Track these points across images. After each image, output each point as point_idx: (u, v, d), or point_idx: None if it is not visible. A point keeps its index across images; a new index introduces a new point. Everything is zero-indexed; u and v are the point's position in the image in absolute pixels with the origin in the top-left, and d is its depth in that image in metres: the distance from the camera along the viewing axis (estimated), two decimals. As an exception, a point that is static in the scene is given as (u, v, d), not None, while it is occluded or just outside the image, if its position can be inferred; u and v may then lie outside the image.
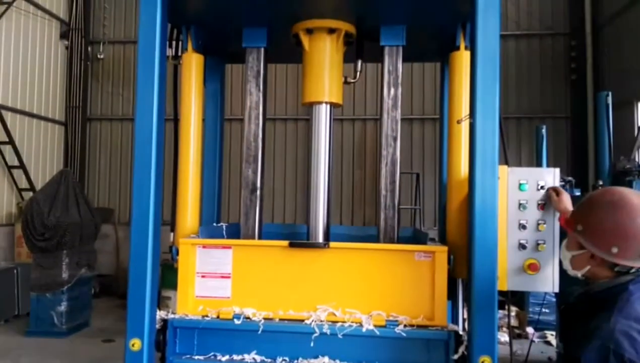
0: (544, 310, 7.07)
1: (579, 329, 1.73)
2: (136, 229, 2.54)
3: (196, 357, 2.60)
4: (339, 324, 2.49)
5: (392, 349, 2.51)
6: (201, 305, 2.66)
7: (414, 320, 2.50)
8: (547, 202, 2.53)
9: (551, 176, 2.58)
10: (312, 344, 2.50)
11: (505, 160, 2.70)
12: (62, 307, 7.07)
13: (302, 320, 2.53)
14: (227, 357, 2.57)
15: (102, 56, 11.02)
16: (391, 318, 2.51)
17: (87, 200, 7.63)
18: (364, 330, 2.46)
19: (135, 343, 2.49)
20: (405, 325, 2.47)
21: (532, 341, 6.57)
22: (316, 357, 2.51)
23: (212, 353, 2.60)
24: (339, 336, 2.47)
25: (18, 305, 7.99)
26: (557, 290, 2.53)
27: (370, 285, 2.59)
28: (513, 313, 7.08)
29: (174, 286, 2.85)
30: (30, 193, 8.11)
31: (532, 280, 2.52)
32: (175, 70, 3.18)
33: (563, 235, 2.41)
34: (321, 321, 2.51)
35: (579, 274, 1.84)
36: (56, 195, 7.07)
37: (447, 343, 2.43)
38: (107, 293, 9.47)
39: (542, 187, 2.57)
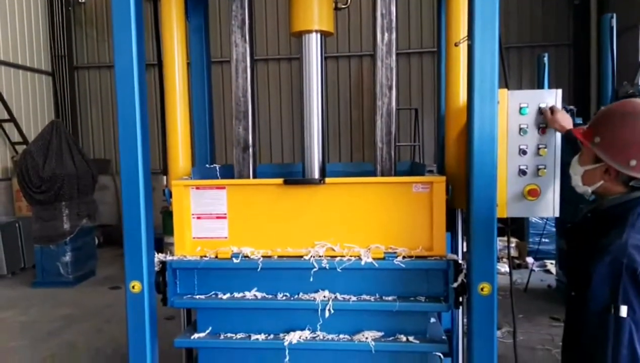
0: (543, 240, 7.16)
1: (587, 247, 1.68)
2: (126, 175, 2.43)
3: (197, 297, 2.60)
4: (337, 259, 2.48)
5: (392, 281, 2.50)
6: (199, 246, 2.64)
7: (412, 252, 2.48)
8: (543, 121, 2.45)
9: (553, 98, 2.49)
10: (311, 279, 2.49)
11: (505, 83, 2.59)
12: (67, 258, 7.15)
13: (301, 257, 2.52)
14: (228, 295, 2.58)
15: (83, 0, 10.61)
16: (390, 250, 2.49)
17: (82, 151, 7.55)
18: (362, 263, 2.44)
19: (136, 286, 2.49)
20: (404, 257, 2.45)
21: (531, 270, 6.71)
22: (316, 292, 2.52)
23: (212, 293, 2.60)
24: (338, 270, 2.45)
25: (23, 258, 8.10)
26: (557, 214, 2.49)
27: (368, 220, 2.55)
28: (513, 244, 7.16)
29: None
30: (24, 147, 8.00)
31: (532, 206, 2.48)
32: (156, 10, 3.01)
33: (564, 157, 2.36)
34: (320, 256, 2.49)
35: (589, 190, 1.77)
36: (49, 147, 6.98)
37: (446, 272, 2.42)
38: (111, 243, 9.56)
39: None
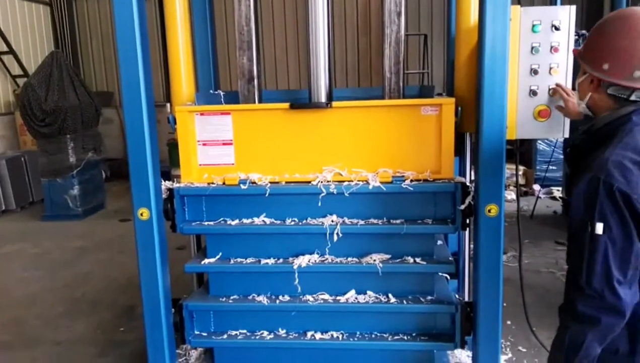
0: (550, 167, 7.13)
1: (581, 168, 1.64)
2: (128, 102, 2.40)
3: (206, 223, 2.62)
4: (345, 183, 2.47)
5: (399, 204, 2.51)
6: (206, 173, 2.63)
7: (420, 175, 2.46)
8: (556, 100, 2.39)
9: (566, 14, 2.37)
10: (319, 204, 2.49)
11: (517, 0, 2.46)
12: (75, 191, 7.21)
13: (309, 182, 2.51)
14: (236, 221, 2.60)
15: None
16: (398, 174, 2.47)
17: (84, 83, 7.43)
18: (370, 187, 2.43)
19: (144, 213, 2.50)
20: (411, 180, 2.44)
21: (538, 197, 6.72)
22: (324, 216, 2.53)
23: (221, 219, 2.62)
24: (346, 195, 2.45)
25: (31, 192, 8.17)
26: (567, 135, 2.43)
27: (375, 144, 2.52)
28: (520, 172, 7.13)
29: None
30: (25, 80, 7.88)
31: (542, 127, 2.42)
32: None
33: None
34: (327, 181, 2.48)
35: (583, 104, 1.74)
36: (50, 79, 6.87)
37: (454, 194, 2.42)
38: (118, 176, 9.60)
39: (556, 28, 2.37)
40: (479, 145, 2.29)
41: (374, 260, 2.50)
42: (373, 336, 2.59)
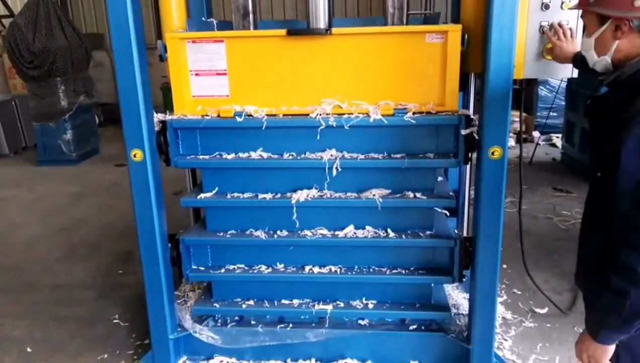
0: (552, 113, 7.04)
1: (611, 124, 1.49)
2: (116, 37, 2.27)
3: (201, 157, 2.55)
4: (345, 116, 2.38)
5: (400, 138, 2.43)
6: (199, 105, 2.52)
7: (423, 108, 2.37)
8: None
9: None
10: (318, 138, 2.42)
11: None
12: (68, 135, 7.10)
13: (307, 115, 2.42)
14: (232, 155, 2.53)
15: None
16: (399, 107, 2.38)
17: (72, 24, 7.15)
18: (371, 120, 2.34)
19: (137, 154, 2.43)
20: (414, 113, 2.35)
21: (537, 144, 6.67)
22: (323, 151, 2.46)
23: (216, 153, 2.55)
24: (346, 128, 2.37)
25: (24, 136, 8.05)
26: (575, 75, 2.34)
27: (377, 74, 2.40)
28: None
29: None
30: (10, 20, 7.58)
31: (550, 66, 2.32)
32: None
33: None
34: (327, 114, 2.39)
35: (608, 59, 1.54)
36: (37, 19, 6.60)
37: (458, 127, 2.34)
38: (112, 121, 9.42)
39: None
40: (485, 84, 2.20)
41: (374, 195, 2.46)
42: (371, 270, 2.59)
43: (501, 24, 2.10)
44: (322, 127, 2.37)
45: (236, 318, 2.80)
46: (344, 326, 2.72)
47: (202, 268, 2.69)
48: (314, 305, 2.64)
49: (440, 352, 2.66)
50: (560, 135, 6.93)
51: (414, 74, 2.38)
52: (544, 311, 3.18)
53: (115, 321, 3.26)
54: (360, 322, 2.72)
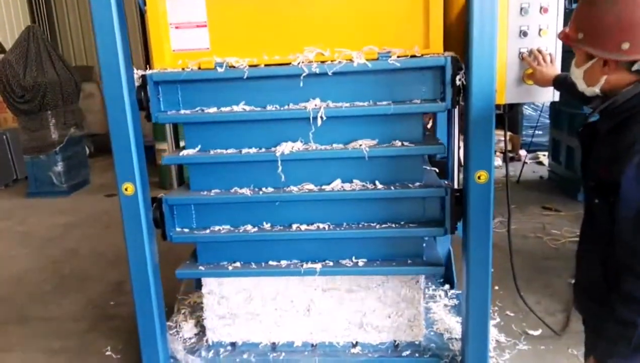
0: (537, 132, 7.14)
1: (605, 150, 1.52)
2: (107, 76, 2.31)
3: (182, 112, 2.51)
4: (328, 62, 2.33)
5: (386, 84, 2.39)
6: (180, 59, 2.47)
7: (408, 51, 2.34)
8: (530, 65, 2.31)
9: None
10: (301, 85, 2.36)
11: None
12: (59, 167, 7.10)
13: (289, 63, 2.37)
14: (214, 109, 2.49)
15: None
16: (384, 51, 2.33)
17: (62, 57, 7.23)
18: (355, 65, 2.31)
19: (128, 188, 2.46)
20: (398, 56, 2.32)
21: (524, 163, 6.75)
22: (307, 101, 2.42)
23: (198, 108, 2.51)
24: (329, 74, 2.32)
25: (15, 169, 8.03)
26: (557, 99, 2.41)
27: (360, 19, 2.37)
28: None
29: (165, 138, 2.73)
30: (1, 56, 7.65)
31: (531, 91, 2.39)
32: None
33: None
34: (309, 61, 2.35)
35: (596, 90, 1.58)
36: (27, 55, 6.67)
37: (444, 69, 2.30)
38: (102, 152, 9.43)
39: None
40: (468, 111, 2.26)
41: (360, 145, 2.41)
42: (360, 226, 2.53)
43: (481, 54, 2.16)
44: (305, 75, 2.32)
45: (229, 347, 2.79)
46: (336, 354, 2.71)
47: (186, 230, 2.62)
48: (302, 265, 2.55)
49: (435, 378, 2.65)
50: (546, 153, 7.02)
51: (398, 16, 2.34)
52: (537, 333, 3.19)
53: (107, 353, 3.23)
54: (352, 350, 2.72)
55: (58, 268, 4.67)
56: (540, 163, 7.27)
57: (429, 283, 3.42)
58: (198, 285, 3.44)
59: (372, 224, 2.53)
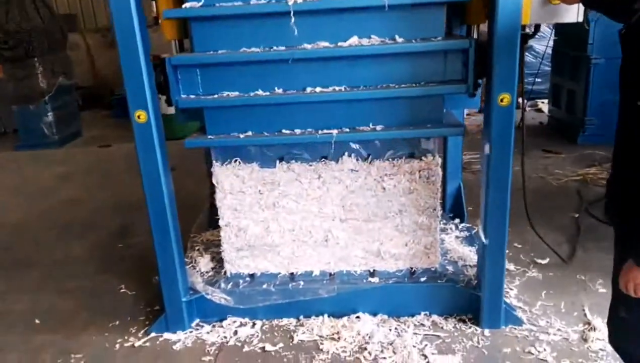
0: (537, 80, 7.11)
1: None
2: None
3: None
4: None
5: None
6: None
7: None
8: None
9: None
10: None
11: None
12: (50, 118, 6.92)
13: None
14: None
15: None
16: None
17: (46, 2, 6.94)
18: None
19: (141, 115, 2.39)
20: None
21: (524, 109, 6.75)
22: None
23: None
24: None
25: (2, 122, 7.83)
26: (581, 19, 2.37)
27: None
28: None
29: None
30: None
31: (557, 11, 2.34)
32: None
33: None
34: None
35: None
36: (10, -1, 6.39)
37: None
38: (90, 105, 9.24)
39: None
40: (493, 32, 2.22)
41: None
42: (378, 88, 2.39)
43: (509, -32, 2.11)
44: None
45: (247, 279, 2.81)
46: (354, 282, 2.75)
47: (192, 96, 2.45)
48: (317, 132, 2.44)
49: (450, 302, 2.71)
50: (545, 101, 7.02)
51: None
52: (545, 261, 3.26)
53: (122, 291, 3.23)
54: (370, 278, 2.76)
55: (58, 217, 4.60)
56: (540, 110, 7.28)
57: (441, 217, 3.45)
58: (210, 224, 3.46)
59: (390, 86, 2.39)
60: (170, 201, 2.55)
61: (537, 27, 2.51)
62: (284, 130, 2.50)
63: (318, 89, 2.39)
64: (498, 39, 2.22)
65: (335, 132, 2.43)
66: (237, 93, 2.43)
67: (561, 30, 5.85)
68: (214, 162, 2.66)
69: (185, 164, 4.88)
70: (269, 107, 2.46)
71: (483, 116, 2.53)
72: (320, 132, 2.45)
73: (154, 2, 2.53)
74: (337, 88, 2.40)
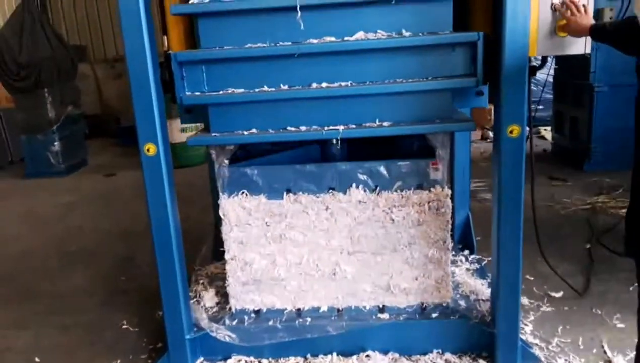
0: (539, 107, 7.10)
1: None
2: (127, 28, 2.21)
3: None
4: None
5: None
6: None
7: None
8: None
9: None
10: None
11: None
12: (57, 147, 6.96)
13: None
14: None
15: None
16: None
17: (58, 33, 7.06)
18: None
19: (150, 148, 2.37)
20: None
21: (531, 138, 6.73)
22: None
23: None
24: None
25: (9, 151, 7.89)
26: (588, 51, 2.35)
27: None
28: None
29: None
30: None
31: (564, 43, 2.32)
32: None
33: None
34: None
35: None
36: (22, 30, 6.48)
37: None
38: (97, 134, 9.33)
39: None
40: (502, 62, 2.20)
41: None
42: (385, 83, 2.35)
43: (515, 5, 2.11)
44: None
45: (253, 315, 2.74)
46: (363, 318, 2.67)
47: (197, 93, 2.40)
48: (323, 129, 2.38)
49: (464, 339, 2.62)
50: (548, 128, 7.01)
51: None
52: (559, 295, 3.17)
53: (124, 327, 3.16)
54: (379, 314, 2.68)
55: (63, 245, 4.58)
56: (542, 137, 7.26)
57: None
58: (214, 257, 3.41)
59: (397, 81, 2.34)
60: (177, 234, 2.50)
61: (545, 59, 2.50)
62: (289, 127, 2.43)
63: (324, 85, 2.35)
64: (506, 71, 2.20)
65: (341, 128, 2.37)
66: (242, 89, 2.38)
67: (562, 59, 5.87)
68: (220, 194, 2.62)
69: (191, 193, 4.86)
70: (274, 103, 2.41)
71: (492, 147, 2.48)
72: (326, 128, 2.39)
73: (165, 38, 2.54)
74: (343, 83, 2.35)
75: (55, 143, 6.92)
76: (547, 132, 7.17)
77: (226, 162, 2.61)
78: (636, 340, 2.01)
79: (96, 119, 9.46)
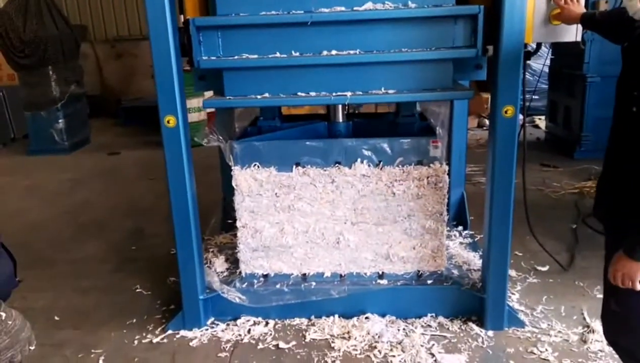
0: (534, 97, 7.31)
1: None
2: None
3: None
4: None
5: None
6: None
7: None
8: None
9: None
10: None
11: None
12: (60, 124, 7.08)
13: None
14: None
15: None
16: None
17: (61, 12, 7.14)
18: None
19: (170, 120, 2.55)
20: None
21: (524, 125, 6.93)
22: None
23: None
24: None
25: (12, 128, 7.98)
26: (579, 38, 2.54)
27: None
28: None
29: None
30: (-2, 10, 7.51)
31: (557, 31, 2.51)
32: None
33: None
34: None
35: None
36: (27, 8, 6.57)
37: None
38: (97, 113, 9.40)
39: None
40: (499, 47, 2.39)
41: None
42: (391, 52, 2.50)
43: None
44: None
45: (261, 279, 2.94)
46: (364, 283, 2.88)
47: (213, 58, 2.52)
48: (331, 95, 2.54)
49: (456, 304, 2.84)
50: (542, 117, 7.22)
51: None
52: (545, 269, 3.40)
53: (137, 290, 3.35)
54: (379, 280, 2.89)
55: (72, 218, 4.74)
56: (536, 126, 7.47)
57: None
58: (222, 228, 3.60)
59: (402, 50, 2.49)
60: (193, 202, 2.69)
61: (539, 46, 2.68)
62: (299, 93, 2.57)
63: (333, 52, 2.48)
64: (503, 56, 2.38)
65: (349, 94, 2.51)
66: (255, 55, 2.51)
67: (558, 49, 6.06)
68: (233, 166, 2.80)
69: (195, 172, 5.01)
70: (285, 70, 2.55)
71: (488, 128, 2.68)
72: (334, 94, 2.54)
73: (182, 16, 2.70)
74: (351, 52, 2.49)
75: (60, 120, 7.04)
76: (541, 121, 7.37)
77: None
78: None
79: (97, 99, 9.54)
